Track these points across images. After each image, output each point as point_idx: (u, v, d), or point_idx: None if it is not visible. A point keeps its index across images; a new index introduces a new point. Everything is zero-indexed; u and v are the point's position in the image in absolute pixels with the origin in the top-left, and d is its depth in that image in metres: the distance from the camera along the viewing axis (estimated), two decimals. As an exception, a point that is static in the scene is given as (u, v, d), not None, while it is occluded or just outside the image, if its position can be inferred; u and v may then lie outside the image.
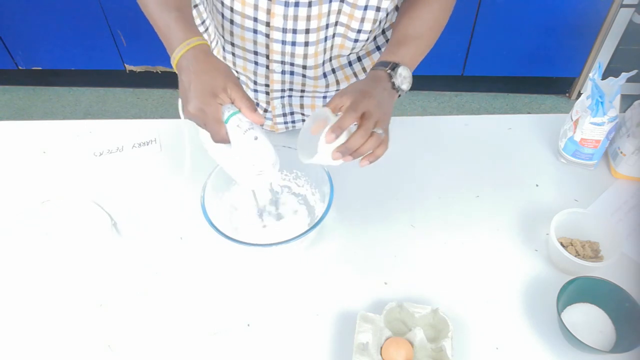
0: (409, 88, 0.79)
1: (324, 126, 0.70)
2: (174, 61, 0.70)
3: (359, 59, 0.96)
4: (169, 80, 2.38)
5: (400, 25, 0.84)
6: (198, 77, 0.67)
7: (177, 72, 0.71)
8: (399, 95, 0.79)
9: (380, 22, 0.87)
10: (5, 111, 2.46)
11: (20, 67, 2.45)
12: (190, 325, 0.78)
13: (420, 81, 2.72)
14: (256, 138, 0.69)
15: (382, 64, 0.78)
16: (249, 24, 0.82)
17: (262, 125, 0.71)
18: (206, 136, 0.71)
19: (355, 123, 0.70)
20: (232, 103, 0.69)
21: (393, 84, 0.77)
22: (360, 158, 0.71)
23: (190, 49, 0.69)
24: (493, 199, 0.94)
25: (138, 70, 2.43)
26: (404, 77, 0.78)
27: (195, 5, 0.95)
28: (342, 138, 0.69)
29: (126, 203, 0.94)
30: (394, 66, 0.77)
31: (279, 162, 0.74)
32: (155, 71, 2.43)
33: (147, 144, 1.04)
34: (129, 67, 2.42)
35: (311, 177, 0.89)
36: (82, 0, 2.13)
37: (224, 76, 0.68)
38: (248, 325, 0.78)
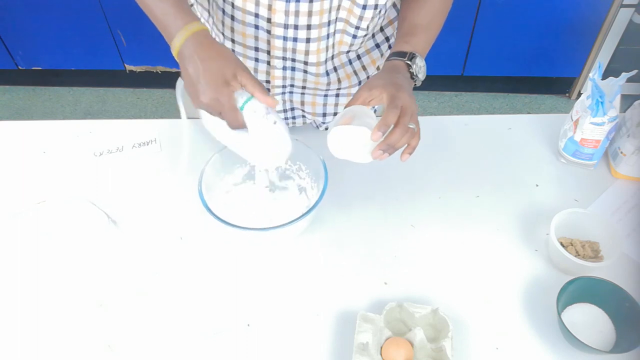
0: (424, 78, 0.81)
1: (351, 120, 0.71)
2: (174, 49, 0.70)
3: (358, 57, 0.96)
4: (169, 80, 2.37)
5: (408, 14, 0.85)
6: (206, 65, 0.67)
7: (178, 61, 0.70)
8: (415, 85, 0.80)
9: (377, 20, 0.87)
10: (5, 111, 2.46)
11: (20, 67, 2.45)
12: (190, 325, 0.78)
13: (420, 81, 2.66)
14: (275, 122, 0.72)
15: (398, 54, 0.79)
16: (250, 19, 0.82)
17: (275, 107, 0.73)
18: (215, 123, 0.73)
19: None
20: (243, 88, 0.70)
21: (412, 73, 0.78)
22: (400, 152, 0.72)
23: (191, 36, 0.69)
24: (493, 199, 0.94)
25: (138, 70, 2.43)
26: (420, 67, 0.80)
27: (191, 5, 0.95)
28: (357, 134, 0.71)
29: (126, 203, 0.94)
30: (412, 56, 0.79)
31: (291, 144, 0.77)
32: (155, 71, 2.43)
33: (147, 144, 1.04)
34: (129, 67, 2.42)
35: (312, 170, 0.90)
36: (82, 0, 2.13)
37: (232, 62, 0.69)
38: (248, 325, 0.78)
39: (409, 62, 0.78)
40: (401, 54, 0.79)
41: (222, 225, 0.77)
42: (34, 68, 2.47)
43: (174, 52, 0.71)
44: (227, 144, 0.77)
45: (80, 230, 0.89)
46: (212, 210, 0.79)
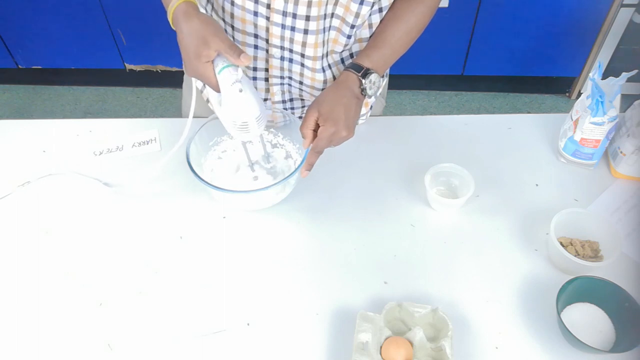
0: (375, 93, 0.88)
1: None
2: (169, 16, 0.77)
3: (352, 56, 0.96)
4: (169, 80, 2.38)
5: (384, 26, 0.89)
6: (183, 40, 0.74)
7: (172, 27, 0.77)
8: (366, 97, 0.87)
9: (373, 26, 0.89)
10: (5, 110, 2.46)
11: (20, 66, 2.45)
12: (190, 324, 0.78)
13: (420, 80, 2.70)
14: (241, 90, 0.73)
15: (355, 67, 0.86)
16: (250, 5, 0.83)
17: (249, 65, 0.78)
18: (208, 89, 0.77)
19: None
20: (219, 54, 0.74)
21: (362, 89, 0.86)
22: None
23: (182, 3, 0.75)
24: (493, 199, 0.94)
25: (138, 69, 2.43)
26: (373, 83, 0.87)
27: None
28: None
29: (126, 202, 0.94)
30: (367, 72, 0.85)
31: (266, 119, 0.78)
32: (155, 70, 2.43)
33: (147, 143, 1.04)
34: (129, 66, 2.42)
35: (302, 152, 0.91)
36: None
37: (201, 35, 0.73)
38: (248, 324, 0.78)
39: (361, 77, 0.85)
40: (357, 68, 0.86)
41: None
42: (34, 67, 2.46)
43: (170, 19, 0.77)
44: (215, 112, 0.80)
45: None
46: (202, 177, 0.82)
